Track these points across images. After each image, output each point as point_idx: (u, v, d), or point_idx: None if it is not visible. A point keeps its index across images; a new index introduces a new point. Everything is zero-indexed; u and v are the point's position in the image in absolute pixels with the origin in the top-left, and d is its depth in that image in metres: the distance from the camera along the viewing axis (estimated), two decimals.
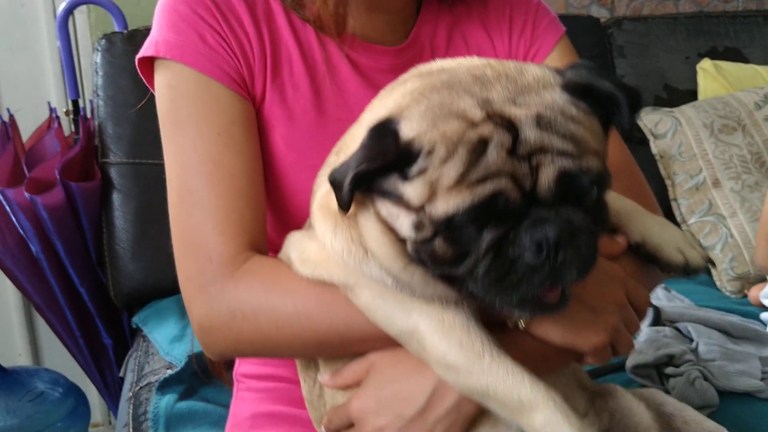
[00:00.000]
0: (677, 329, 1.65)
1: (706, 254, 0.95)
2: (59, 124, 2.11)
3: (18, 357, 2.60)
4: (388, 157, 0.73)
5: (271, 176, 1.07)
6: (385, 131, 0.74)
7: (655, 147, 2.31)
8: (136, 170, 2.04)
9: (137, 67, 1.08)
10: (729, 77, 2.52)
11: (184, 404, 1.58)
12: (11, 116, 2.10)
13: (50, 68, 2.47)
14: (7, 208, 1.98)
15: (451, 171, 0.71)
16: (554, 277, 0.72)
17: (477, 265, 0.73)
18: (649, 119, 2.35)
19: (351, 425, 0.93)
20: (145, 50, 1.05)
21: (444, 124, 0.73)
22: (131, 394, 1.68)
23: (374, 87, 0.98)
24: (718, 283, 2.13)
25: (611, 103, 0.76)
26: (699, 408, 1.38)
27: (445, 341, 0.82)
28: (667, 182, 2.28)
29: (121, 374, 2.03)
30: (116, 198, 2.04)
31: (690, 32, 2.62)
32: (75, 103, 2.26)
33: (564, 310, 0.78)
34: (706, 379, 1.46)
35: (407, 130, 0.74)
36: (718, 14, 2.73)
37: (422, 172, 0.72)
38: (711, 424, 1.00)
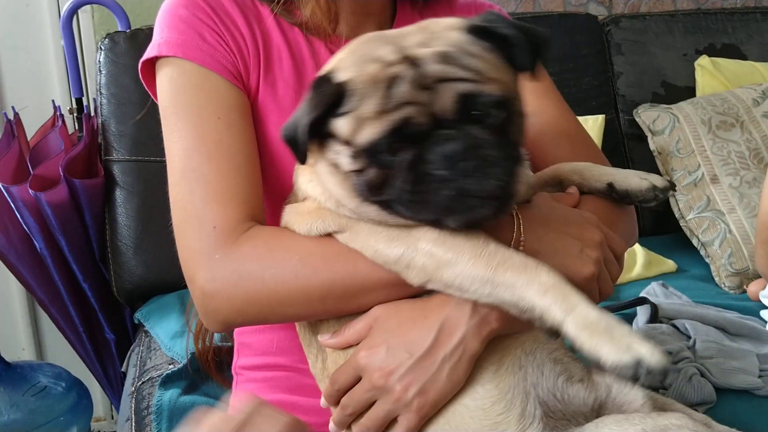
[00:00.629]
0: (674, 326, 1.66)
1: (666, 177, 1.02)
2: (63, 122, 2.12)
3: (22, 352, 2.61)
4: (326, 101, 0.85)
5: (266, 162, 1.12)
6: (323, 82, 0.87)
7: (653, 143, 2.32)
8: (139, 167, 2.06)
9: (140, 73, 1.14)
10: (727, 74, 2.53)
11: (187, 399, 1.59)
12: (16, 114, 2.12)
13: (54, 67, 2.48)
14: (12, 204, 2.00)
15: (369, 105, 0.83)
16: (467, 184, 0.81)
17: (398, 181, 0.83)
18: (647, 116, 2.36)
19: (355, 381, 0.96)
20: (148, 53, 1.12)
21: (366, 68, 0.85)
22: (133, 388, 1.69)
23: None
24: (716, 279, 2.14)
25: (511, 44, 0.87)
26: (696, 405, 1.41)
27: (447, 246, 0.87)
28: (665, 178, 2.28)
29: (123, 369, 2.05)
30: (119, 195, 2.06)
31: (688, 29, 2.63)
32: (79, 101, 2.28)
33: (498, 217, 0.87)
34: (703, 375, 1.47)
35: (341, 77, 0.86)
36: (716, 11, 2.74)
37: (352, 109, 0.84)
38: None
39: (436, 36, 0.87)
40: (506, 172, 0.83)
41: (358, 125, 0.84)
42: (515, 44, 0.87)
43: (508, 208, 0.88)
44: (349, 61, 0.88)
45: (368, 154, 0.84)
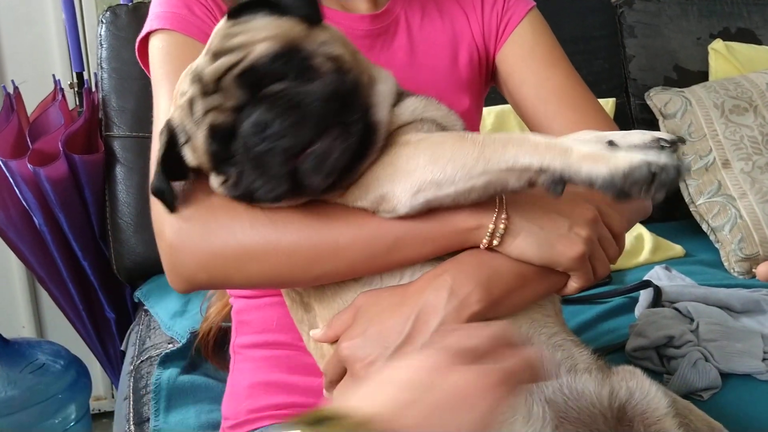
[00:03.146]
0: (677, 309, 1.63)
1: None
2: (63, 96, 2.10)
3: (21, 329, 2.60)
4: (164, 142, 0.90)
5: None
6: (163, 127, 0.91)
7: (664, 127, 2.28)
8: (140, 144, 2.03)
9: (137, 53, 1.18)
10: (741, 58, 2.49)
11: (186, 378, 1.58)
12: (16, 88, 2.09)
13: (55, 41, 2.45)
14: (11, 179, 1.98)
15: (191, 131, 0.87)
16: (292, 141, 0.80)
17: (246, 175, 0.84)
18: (658, 99, 2.32)
19: (344, 372, 0.94)
20: (143, 31, 1.15)
21: (177, 103, 0.89)
22: (132, 367, 1.68)
23: None
24: (726, 264, 2.11)
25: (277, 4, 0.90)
26: (702, 390, 1.38)
27: (432, 155, 0.86)
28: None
29: (122, 348, 2.03)
30: (119, 171, 2.04)
31: (702, 13, 2.59)
32: (79, 75, 2.26)
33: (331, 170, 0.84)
34: (707, 360, 1.44)
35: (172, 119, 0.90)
36: None
37: (185, 141, 0.88)
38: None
39: (211, 42, 0.90)
40: (325, 108, 0.81)
41: (194, 150, 0.88)
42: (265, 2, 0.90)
43: (369, 143, 0.87)
44: (173, 103, 0.93)
45: (218, 166, 0.87)
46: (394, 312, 0.90)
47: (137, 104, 2.03)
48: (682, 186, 2.21)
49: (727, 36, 2.57)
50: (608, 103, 2.35)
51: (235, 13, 0.90)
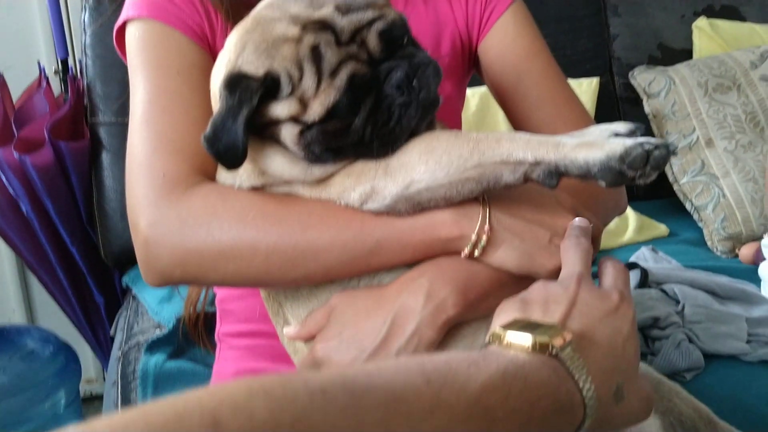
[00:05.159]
0: (663, 291, 1.65)
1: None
2: (48, 83, 2.09)
3: (12, 314, 2.61)
4: (255, 95, 0.84)
5: None
6: (237, 80, 0.85)
7: (648, 106, 2.29)
8: (125, 130, 1.98)
9: (115, 43, 1.16)
10: (725, 36, 2.50)
11: (172, 364, 1.59)
12: (0, 75, 2.09)
13: (40, 27, 2.44)
14: None
15: (309, 82, 0.84)
16: (419, 98, 0.86)
17: (365, 128, 0.86)
18: (642, 78, 2.33)
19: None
20: (121, 17, 1.12)
21: (279, 52, 0.85)
22: (120, 353, 1.69)
23: None
24: (709, 243, 2.13)
25: None
26: (685, 371, 1.40)
27: (429, 152, 0.87)
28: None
29: (111, 333, 2.04)
30: (105, 157, 2.04)
31: None
32: (64, 62, 2.25)
33: None
34: (691, 341, 1.46)
35: (254, 70, 0.85)
36: None
37: (289, 93, 0.84)
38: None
39: None
40: (437, 72, 0.89)
41: (305, 103, 0.85)
42: None
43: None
44: (249, 54, 0.86)
45: (325, 119, 0.85)
46: (369, 315, 0.90)
47: (122, 90, 2.02)
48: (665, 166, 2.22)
49: (711, 13, 2.57)
50: (592, 83, 2.35)
51: None
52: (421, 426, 0.56)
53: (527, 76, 1.20)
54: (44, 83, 2.09)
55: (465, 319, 0.90)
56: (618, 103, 2.47)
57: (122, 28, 1.13)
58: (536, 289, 0.78)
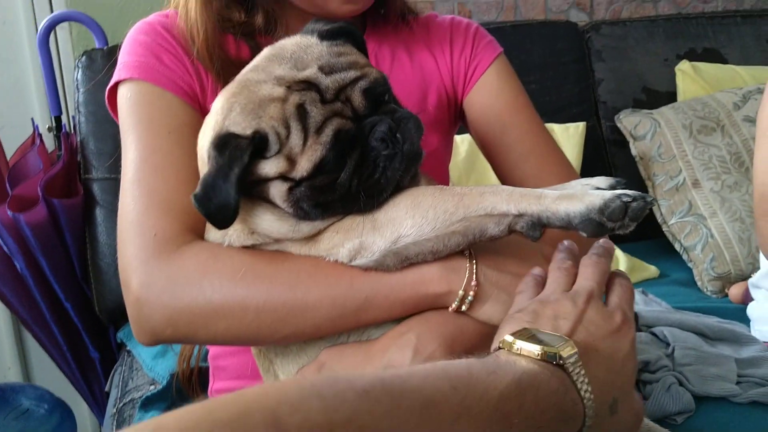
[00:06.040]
0: (653, 334, 1.66)
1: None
2: (42, 140, 2.11)
3: (7, 371, 2.61)
4: (245, 154, 0.86)
5: None
6: (226, 140, 0.87)
7: (634, 149, 2.32)
8: (119, 186, 2.02)
9: (107, 101, 1.18)
10: (708, 78, 2.54)
11: None
12: None
13: (33, 84, 2.47)
14: None
15: (296, 139, 0.86)
16: (403, 150, 0.89)
17: (352, 181, 0.88)
18: (628, 121, 2.36)
19: None
20: (112, 81, 1.15)
21: (266, 112, 0.87)
22: (115, 410, 1.69)
23: None
24: (699, 284, 2.14)
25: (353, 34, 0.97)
26: (675, 414, 1.40)
27: (414, 208, 0.90)
28: (647, 183, 2.30)
29: (106, 389, 2.04)
30: (99, 213, 2.05)
31: (668, 34, 2.64)
32: (57, 119, 2.27)
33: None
34: (681, 384, 1.47)
35: (242, 131, 0.87)
36: (696, 15, 2.75)
37: (277, 151, 0.86)
38: None
39: (300, 56, 0.91)
40: (419, 126, 0.91)
41: (293, 160, 0.87)
42: (357, 34, 0.98)
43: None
44: (236, 115, 0.88)
45: (312, 175, 0.87)
46: (358, 369, 0.91)
47: (115, 147, 2.02)
48: (654, 207, 2.25)
49: (693, 56, 2.62)
50: (579, 127, 2.38)
51: (328, 36, 0.94)
52: (449, 430, 0.61)
53: (512, 130, 1.23)
54: (38, 141, 2.11)
55: None
56: (605, 146, 2.50)
57: (114, 89, 1.16)
58: (547, 303, 0.82)
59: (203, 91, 1.14)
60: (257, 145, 0.86)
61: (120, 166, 2.01)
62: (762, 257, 1.72)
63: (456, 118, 1.32)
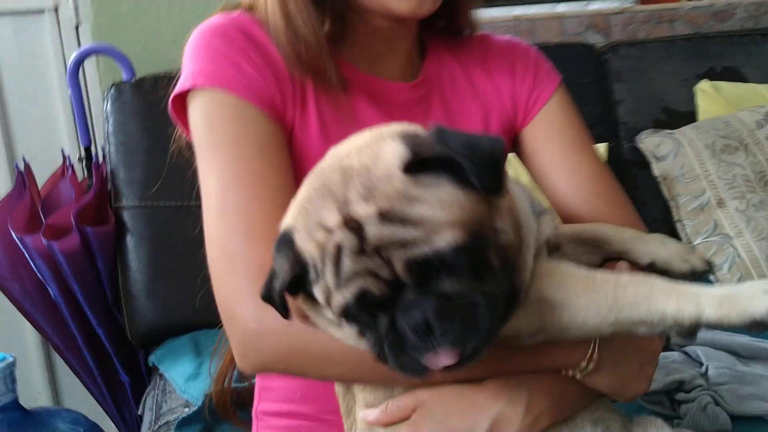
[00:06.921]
0: (686, 353, 1.66)
1: (705, 257, 1.04)
2: (73, 170, 2.15)
3: (38, 396, 2.63)
4: (289, 274, 0.79)
5: None
6: (284, 243, 0.80)
7: (657, 169, 2.32)
8: (149, 213, 2.08)
9: (170, 108, 1.10)
10: (728, 97, 2.52)
11: None
12: (27, 164, 2.15)
13: (62, 116, 2.51)
14: (26, 254, 2.02)
15: (328, 277, 0.77)
16: (441, 344, 0.74)
17: (381, 345, 0.78)
18: (650, 141, 2.36)
19: None
20: (181, 86, 1.07)
21: (314, 235, 0.78)
22: None
23: (392, 119, 0.99)
24: None
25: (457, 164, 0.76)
26: None
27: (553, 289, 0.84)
28: (671, 204, 2.30)
29: (139, 412, 2.06)
30: (130, 240, 2.09)
31: (686, 54, 2.63)
32: (87, 149, 2.31)
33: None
34: (717, 403, 1.47)
35: (298, 242, 0.79)
36: (714, 35, 2.75)
37: (317, 278, 0.78)
38: None
39: (377, 184, 0.76)
40: (493, 312, 0.76)
41: (328, 293, 0.78)
42: (463, 167, 0.75)
43: (512, 310, 0.82)
44: (301, 222, 0.80)
45: (350, 319, 0.79)
46: (465, 417, 0.91)
47: (144, 175, 2.09)
48: (678, 226, 2.25)
49: (712, 75, 2.60)
50: (601, 148, 2.39)
51: (415, 166, 0.76)
52: None
53: (579, 170, 1.19)
54: (69, 171, 2.14)
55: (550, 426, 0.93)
56: (627, 167, 2.50)
57: (179, 98, 1.08)
58: None
59: (284, 103, 1.07)
60: (300, 269, 0.79)
61: (149, 193, 2.07)
62: None
63: (511, 147, 1.27)
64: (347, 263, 0.75)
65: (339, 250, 0.76)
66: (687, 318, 0.80)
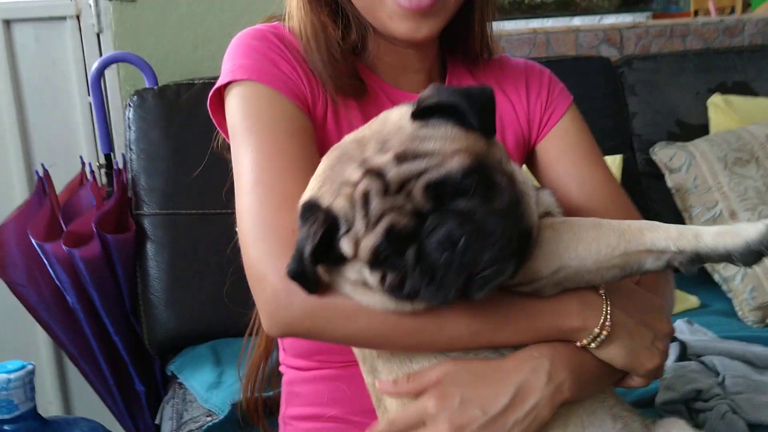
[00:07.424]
0: (702, 363, 1.68)
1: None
2: (94, 177, 2.17)
3: (49, 405, 2.63)
4: (320, 229, 0.87)
5: None
6: (310, 209, 0.89)
7: (670, 181, 2.35)
8: (169, 221, 2.10)
9: (208, 104, 1.18)
10: (740, 111, 2.56)
11: None
12: (46, 171, 2.16)
13: (81, 123, 2.52)
14: (45, 261, 2.03)
15: (358, 223, 0.85)
16: (472, 258, 0.82)
17: (412, 276, 0.84)
18: (663, 153, 2.39)
19: (417, 427, 0.96)
20: (222, 79, 1.15)
21: (341, 191, 0.87)
22: None
23: None
24: (739, 313, 2.15)
25: (458, 110, 0.88)
26: None
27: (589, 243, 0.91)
28: (684, 215, 2.32)
29: (156, 421, 2.06)
30: (150, 248, 2.10)
31: (699, 68, 2.67)
32: (108, 157, 2.33)
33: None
34: (735, 412, 1.49)
35: (325, 203, 0.88)
36: (725, 50, 2.79)
37: (347, 231, 0.86)
38: None
39: (389, 137, 0.88)
40: (504, 226, 0.84)
41: (357, 241, 0.86)
42: (462, 110, 0.88)
43: (527, 248, 0.89)
44: (326, 188, 0.90)
45: (378, 263, 0.86)
46: (491, 382, 0.94)
47: (165, 183, 2.10)
48: None
49: (724, 89, 2.65)
50: (615, 160, 2.41)
51: (421, 114, 0.89)
52: None
53: (592, 181, 1.24)
54: (90, 178, 2.16)
55: (574, 400, 0.96)
56: (641, 179, 2.53)
57: (217, 94, 1.16)
58: None
59: (314, 101, 1.15)
60: (332, 223, 0.87)
61: (170, 201, 2.08)
62: None
63: (524, 161, 1.33)
64: (374, 204, 0.84)
65: (366, 195, 0.85)
66: (688, 245, 0.88)
